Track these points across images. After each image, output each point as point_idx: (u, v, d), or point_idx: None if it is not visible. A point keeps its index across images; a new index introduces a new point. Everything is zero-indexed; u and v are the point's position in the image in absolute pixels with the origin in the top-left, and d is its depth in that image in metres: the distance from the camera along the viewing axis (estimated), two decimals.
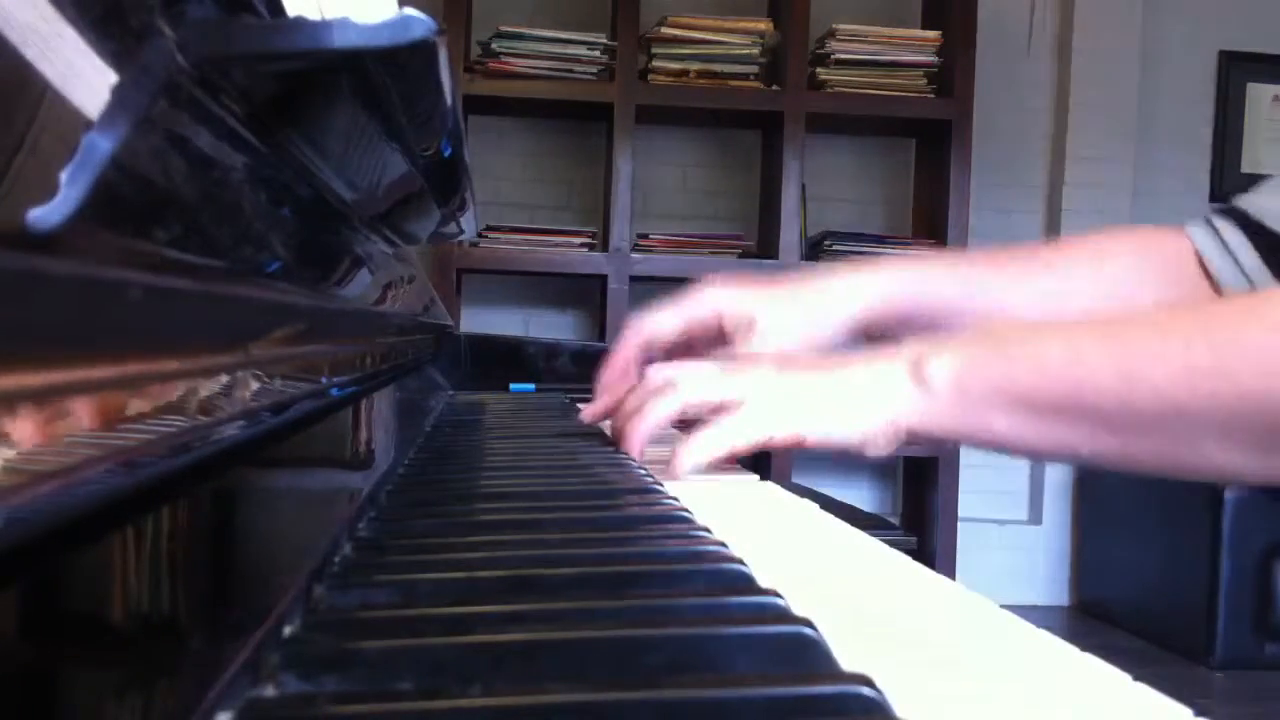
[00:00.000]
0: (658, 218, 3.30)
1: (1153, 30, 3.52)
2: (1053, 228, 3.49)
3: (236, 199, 0.35)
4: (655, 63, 3.02)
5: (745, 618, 0.32)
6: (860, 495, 3.43)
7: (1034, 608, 3.40)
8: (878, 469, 3.48)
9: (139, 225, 0.24)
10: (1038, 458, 0.66)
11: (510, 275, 3.18)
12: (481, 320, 3.25)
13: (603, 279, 3.02)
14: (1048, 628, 0.35)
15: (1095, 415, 0.60)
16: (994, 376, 0.64)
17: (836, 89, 3.06)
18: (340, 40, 0.35)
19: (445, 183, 0.81)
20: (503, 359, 1.44)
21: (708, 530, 0.46)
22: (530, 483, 0.63)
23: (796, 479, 2.99)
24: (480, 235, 2.97)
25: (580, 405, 1.01)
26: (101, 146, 0.22)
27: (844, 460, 3.38)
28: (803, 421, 0.69)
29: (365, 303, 0.64)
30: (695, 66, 3.02)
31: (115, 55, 0.25)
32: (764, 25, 3.05)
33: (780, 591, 0.34)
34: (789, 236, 3.04)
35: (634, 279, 3.01)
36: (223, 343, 0.30)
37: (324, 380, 0.44)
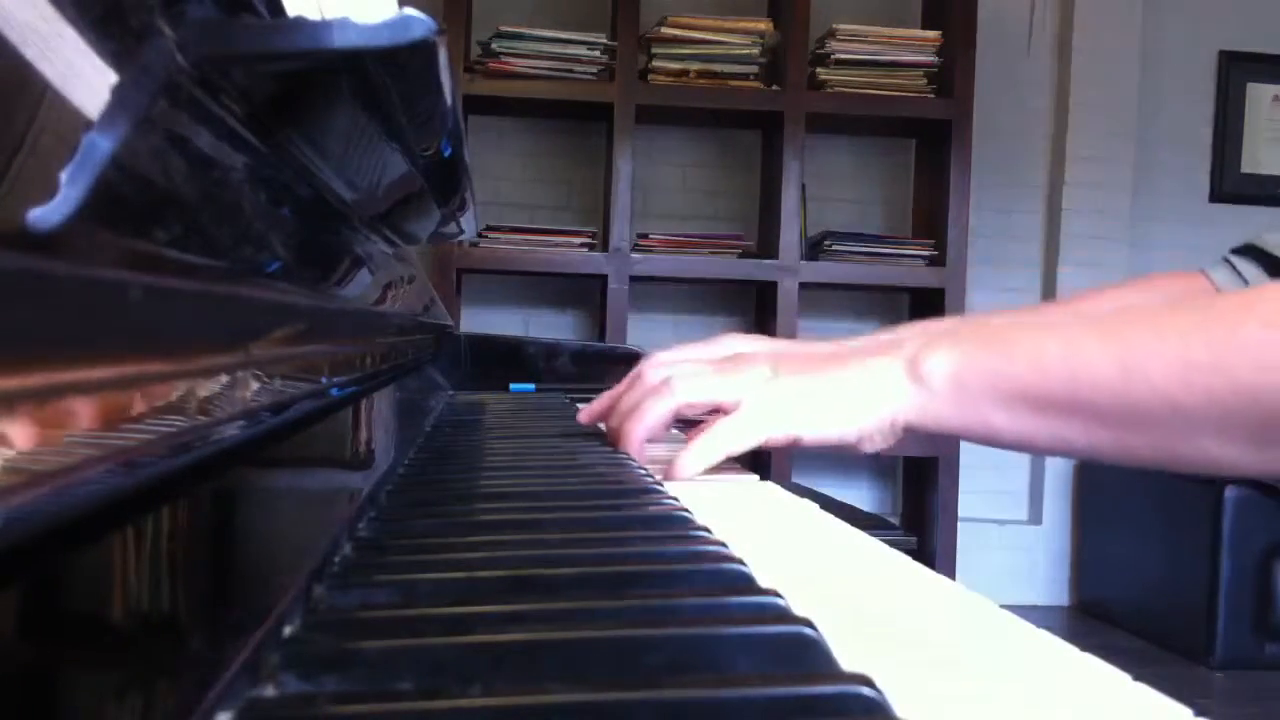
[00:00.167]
0: (658, 218, 3.30)
1: (1153, 30, 3.52)
2: (1053, 228, 3.49)
3: (236, 199, 0.35)
4: (655, 63, 3.02)
5: (745, 618, 0.32)
6: (860, 495, 3.43)
7: (1034, 608, 3.40)
8: (878, 469, 3.48)
9: (139, 225, 0.24)
10: (1035, 452, 0.66)
11: (510, 275, 3.18)
12: (481, 320, 3.25)
13: (603, 279, 3.02)
14: (1048, 628, 0.35)
15: (1092, 410, 0.60)
16: (991, 372, 0.64)
17: (836, 89, 3.06)
18: (340, 40, 0.35)
19: (445, 183, 0.81)
20: (503, 359, 1.44)
21: (708, 530, 0.46)
22: (530, 483, 0.63)
23: (796, 479, 2.99)
24: (480, 235, 2.97)
25: (580, 405, 1.01)
26: (101, 146, 0.22)
27: (844, 460, 3.39)
28: (799, 421, 0.69)
29: (365, 303, 0.64)
30: (695, 66, 3.02)
31: (115, 55, 0.25)
32: (764, 25, 3.05)
33: (780, 591, 0.34)
34: (789, 236, 3.04)
35: (634, 279, 3.01)
36: (223, 343, 0.30)
37: (324, 380, 0.44)
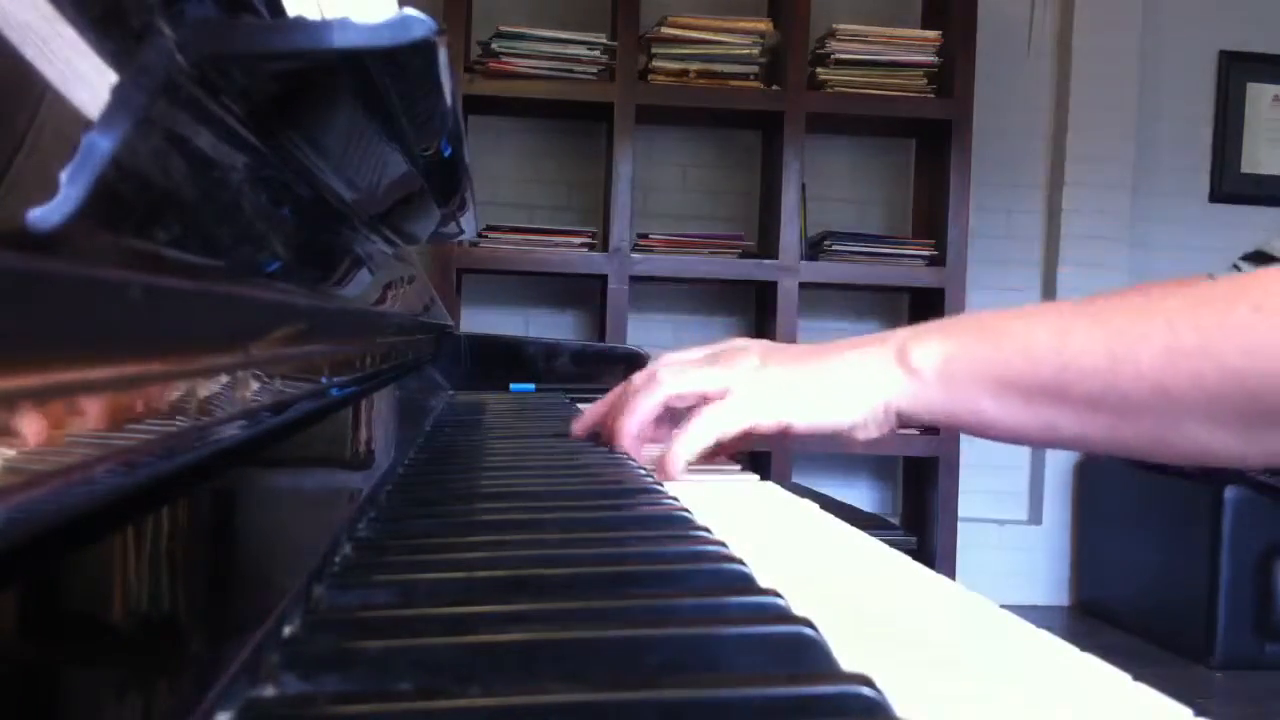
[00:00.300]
0: (658, 218, 3.30)
1: (1153, 30, 3.52)
2: (1053, 228, 3.49)
3: (236, 199, 0.35)
4: (655, 63, 3.02)
5: (745, 618, 0.32)
6: (860, 495, 3.43)
7: (1034, 608, 3.40)
8: (878, 469, 3.48)
9: (139, 225, 0.24)
10: (1026, 442, 0.66)
11: (510, 275, 3.18)
12: (481, 320, 3.25)
13: (603, 279, 3.02)
14: (1048, 628, 0.35)
15: (1081, 397, 0.60)
16: (980, 359, 0.64)
17: (836, 89, 3.06)
18: (340, 40, 0.35)
19: (445, 183, 0.81)
20: (503, 359, 1.44)
21: (708, 530, 0.46)
22: (530, 483, 0.63)
23: (796, 479, 2.99)
24: (480, 235, 2.97)
25: (580, 405, 1.01)
26: (101, 146, 0.22)
27: (844, 460, 3.39)
28: (789, 408, 0.68)
29: (365, 303, 0.64)
30: (695, 66, 3.02)
31: (115, 55, 0.25)
32: (764, 25, 3.05)
33: (780, 591, 0.34)
34: (789, 236, 3.04)
35: (634, 279, 3.01)
36: (223, 343, 0.30)
37: (324, 380, 0.44)
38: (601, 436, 0.79)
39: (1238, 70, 3.60)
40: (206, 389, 0.27)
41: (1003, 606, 0.39)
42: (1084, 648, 0.33)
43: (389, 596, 0.36)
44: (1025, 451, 3.54)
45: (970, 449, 3.20)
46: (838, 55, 3.06)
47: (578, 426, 0.86)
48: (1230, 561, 2.90)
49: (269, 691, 0.27)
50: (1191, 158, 3.61)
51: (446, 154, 0.70)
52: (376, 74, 0.47)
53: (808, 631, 0.30)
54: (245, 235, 0.36)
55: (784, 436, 0.70)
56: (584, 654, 0.30)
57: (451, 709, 0.26)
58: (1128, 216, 3.48)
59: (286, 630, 0.31)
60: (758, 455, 2.93)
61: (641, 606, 0.35)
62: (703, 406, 0.70)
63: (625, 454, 0.73)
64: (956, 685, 0.31)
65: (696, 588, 0.38)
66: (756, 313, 3.30)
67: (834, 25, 3.09)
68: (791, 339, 2.93)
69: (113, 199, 0.23)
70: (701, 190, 3.40)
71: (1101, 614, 3.37)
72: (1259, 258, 0.84)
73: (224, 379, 0.29)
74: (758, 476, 0.76)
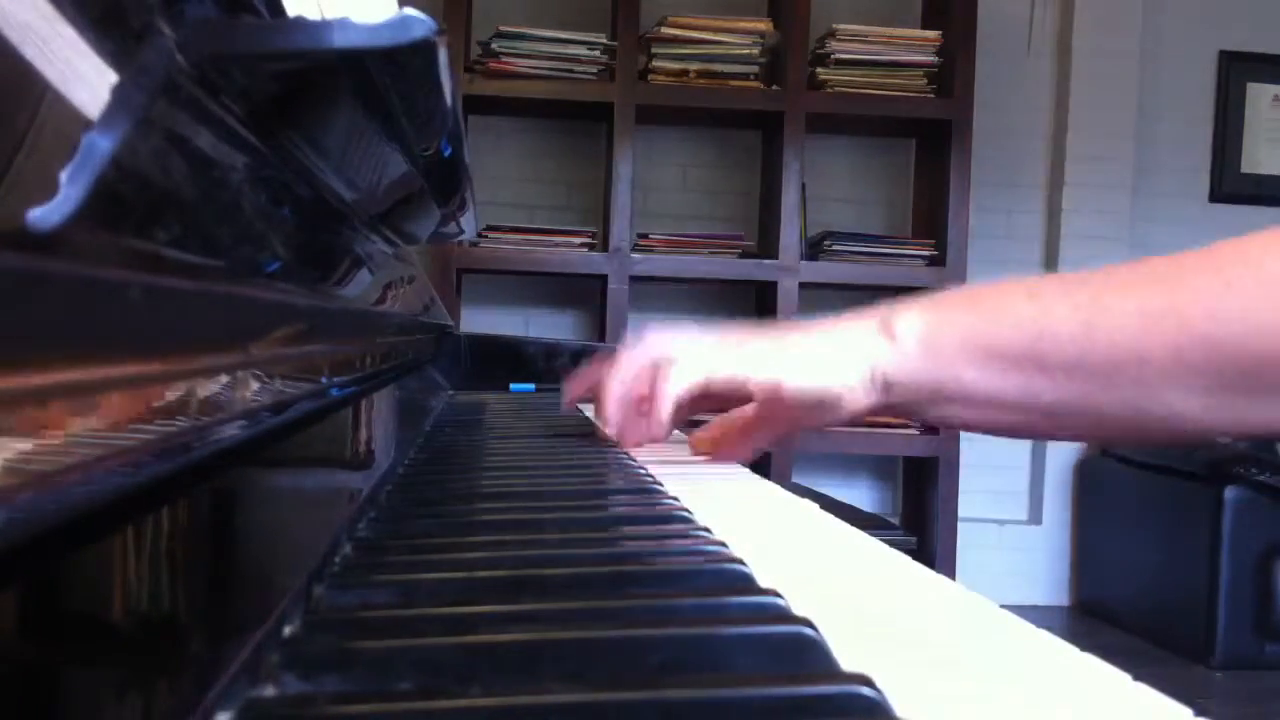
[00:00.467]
0: (658, 218, 3.30)
1: (1153, 30, 3.52)
2: (1053, 228, 3.49)
3: (236, 199, 0.35)
4: (655, 63, 3.02)
5: (745, 618, 0.32)
6: (860, 495, 3.43)
7: (1034, 608, 3.40)
8: (878, 469, 3.48)
9: (139, 225, 0.24)
10: (1009, 410, 0.66)
11: (510, 275, 3.18)
12: (481, 320, 3.25)
13: (603, 279, 3.02)
14: (1048, 628, 0.35)
15: (1058, 364, 0.61)
16: (961, 327, 0.64)
17: (836, 89, 3.06)
18: (340, 40, 0.35)
19: (445, 183, 0.81)
20: (503, 359, 1.44)
21: (708, 530, 0.46)
22: (530, 483, 0.63)
23: (796, 479, 2.99)
24: (480, 235, 2.97)
25: (580, 406, 1.01)
26: (101, 146, 0.22)
27: (844, 460, 3.39)
28: (780, 365, 0.69)
29: (365, 303, 0.64)
30: (695, 66, 3.02)
31: (115, 55, 0.25)
32: (764, 25, 3.05)
33: (780, 591, 0.34)
34: (789, 236, 3.04)
35: (634, 279, 3.01)
36: (223, 343, 0.30)
37: (324, 380, 0.44)
38: (594, 411, 0.80)
39: (1238, 70, 3.60)
40: (206, 389, 0.27)
41: (1003, 606, 0.39)
42: (1084, 648, 0.33)
43: (389, 596, 0.36)
44: (1025, 451, 3.54)
45: (970, 449, 3.20)
46: (838, 55, 3.06)
47: (568, 396, 0.88)
48: (1230, 561, 2.90)
49: (269, 691, 0.27)
50: (1191, 158, 3.61)
51: (446, 154, 0.70)
52: (376, 74, 0.47)
53: (808, 631, 0.30)
54: (245, 235, 0.36)
55: (775, 397, 0.70)
56: (584, 654, 0.30)
57: (451, 709, 0.26)
58: (1128, 216, 3.48)
59: (286, 630, 0.31)
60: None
61: (641, 606, 0.35)
62: (718, 418, 0.72)
63: (626, 454, 0.73)
64: (956, 685, 0.31)
65: (696, 588, 0.38)
66: (756, 313, 3.30)
67: (834, 25, 3.09)
68: None
69: (113, 199, 0.23)
70: (701, 190, 3.40)
71: (1101, 614, 3.37)
72: None
73: (224, 379, 0.29)
74: (758, 476, 0.76)
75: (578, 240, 3.05)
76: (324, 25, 0.35)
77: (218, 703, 0.25)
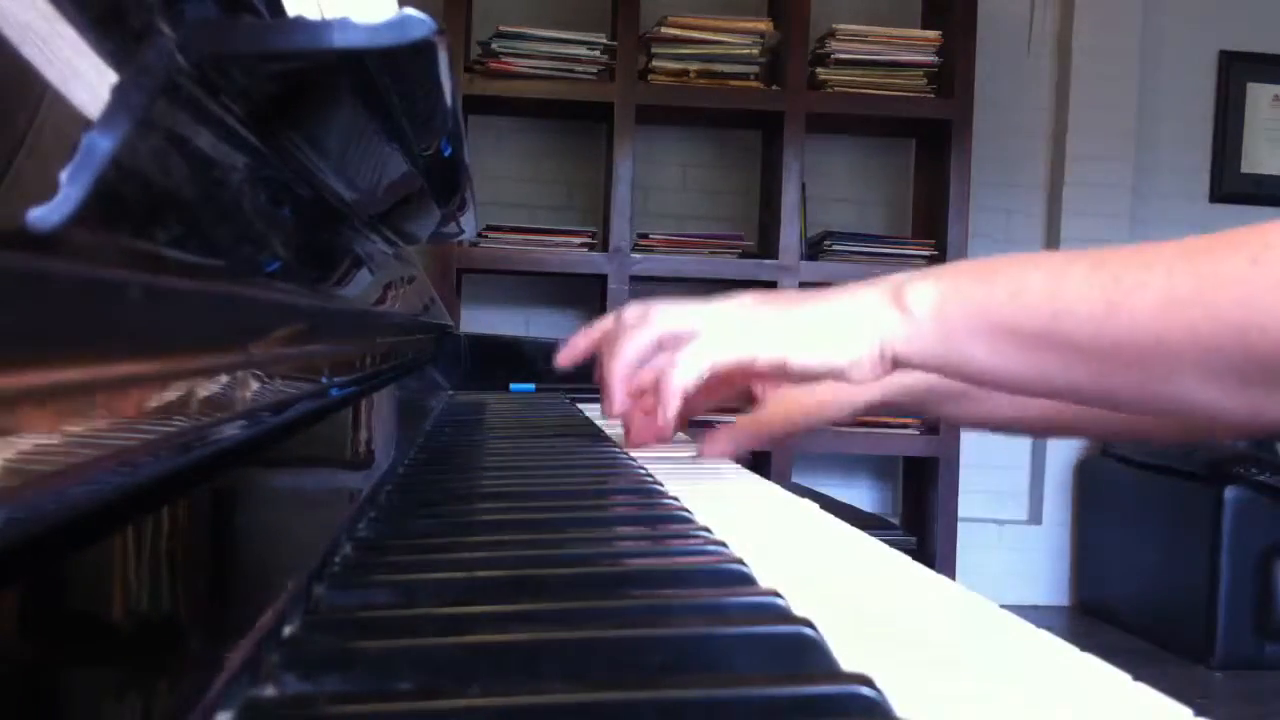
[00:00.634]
0: (658, 218, 3.30)
1: (1153, 30, 3.52)
2: (1053, 228, 3.49)
3: (236, 199, 0.35)
4: (655, 63, 3.02)
5: (745, 617, 0.32)
6: (860, 495, 3.43)
7: (1034, 608, 3.40)
8: (878, 469, 3.48)
9: (139, 225, 0.24)
10: (1019, 390, 0.64)
11: (510, 275, 3.18)
12: (481, 320, 3.25)
13: (603, 279, 3.03)
14: (1048, 628, 0.35)
15: (1075, 344, 0.59)
16: (974, 303, 0.62)
17: (836, 89, 3.06)
18: (340, 40, 0.35)
19: (445, 183, 0.81)
20: (503, 359, 1.44)
21: (708, 530, 0.46)
22: (530, 483, 0.63)
23: (796, 479, 2.99)
24: (480, 235, 2.97)
25: (580, 406, 1.01)
26: (101, 146, 0.22)
27: (844, 460, 3.39)
28: (786, 343, 0.67)
29: (365, 303, 0.64)
30: (695, 66, 3.03)
31: (115, 55, 0.25)
32: (764, 25, 3.05)
33: (780, 591, 0.34)
34: (789, 236, 3.04)
35: (634, 279, 3.01)
36: (223, 343, 0.30)
37: (324, 380, 0.44)
38: (596, 379, 0.78)
39: (1238, 70, 3.60)
40: (206, 389, 0.27)
41: (1003, 606, 0.39)
42: (1084, 648, 0.33)
43: (389, 596, 0.36)
44: (1025, 451, 3.54)
45: (970, 449, 3.20)
46: (838, 55, 3.06)
47: (563, 358, 0.86)
48: (1230, 561, 2.90)
49: (269, 691, 0.27)
50: (1191, 158, 3.61)
51: (446, 154, 0.70)
52: (376, 74, 0.47)
53: (808, 631, 0.30)
54: (245, 235, 0.36)
55: (781, 374, 0.69)
56: (584, 654, 0.30)
57: (451, 709, 0.26)
58: (1128, 217, 3.48)
59: (286, 630, 0.31)
60: (758, 455, 2.93)
61: (641, 606, 0.35)
62: (727, 419, 0.70)
63: (625, 453, 0.73)
64: (956, 685, 0.31)
65: (696, 587, 0.38)
66: None
67: (834, 25, 3.09)
68: None
69: (113, 199, 0.23)
70: (701, 190, 3.40)
71: (1101, 614, 3.37)
72: None
73: (224, 379, 0.29)
74: (758, 476, 0.76)
75: (578, 240, 3.05)
76: (324, 25, 0.35)
77: (218, 703, 0.25)
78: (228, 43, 0.33)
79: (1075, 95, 3.44)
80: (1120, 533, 3.28)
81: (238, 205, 0.35)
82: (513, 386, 1.41)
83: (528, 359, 1.44)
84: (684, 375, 0.68)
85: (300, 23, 0.35)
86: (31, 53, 0.21)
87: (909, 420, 3.10)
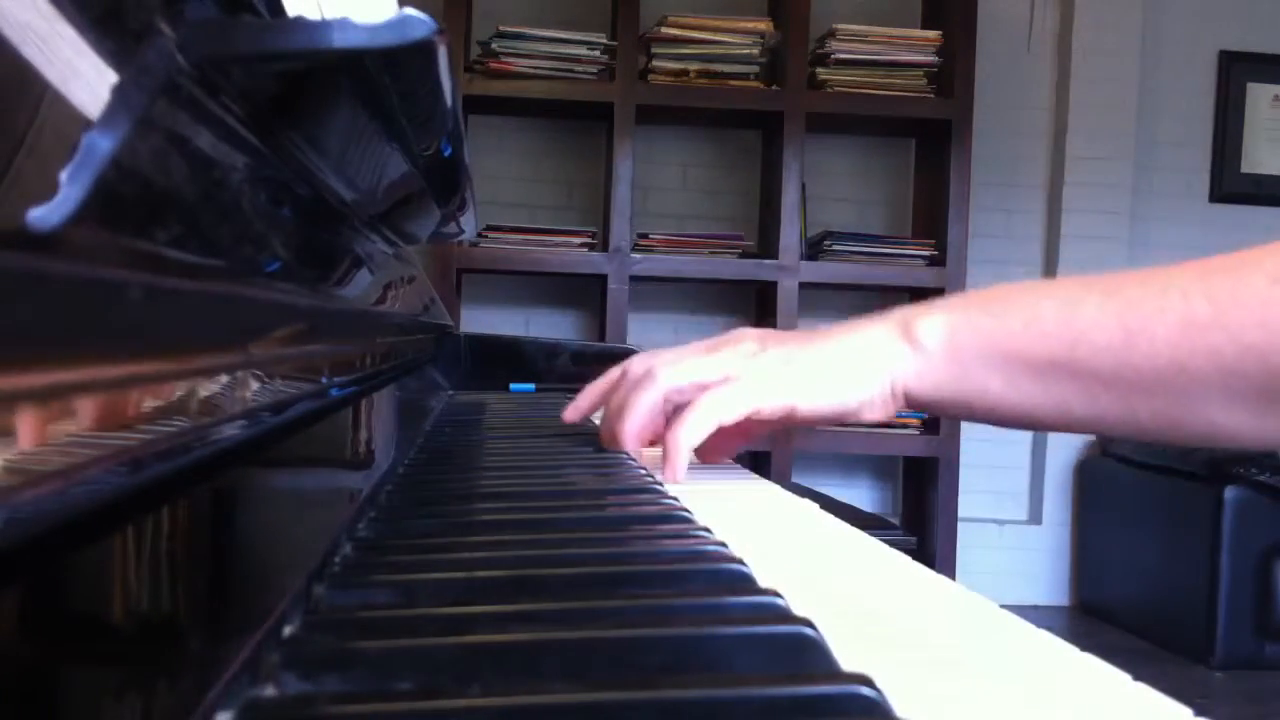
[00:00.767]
0: (658, 217, 3.30)
1: (1153, 30, 3.52)
2: (1053, 228, 3.49)
3: (236, 199, 0.35)
4: (655, 63, 3.02)
5: (745, 618, 0.32)
6: (860, 495, 3.43)
7: (1034, 608, 3.41)
8: (878, 469, 3.48)
9: (139, 225, 0.24)
10: (1033, 423, 0.63)
11: (510, 275, 3.18)
12: (481, 320, 3.25)
13: (603, 279, 3.03)
14: (1048, 628, 0.35)
15: (1093, 373, 0.58)
16: (987, 332, 0.61)
17: (836, 89, 3.06)
18: (340, 40, 0.35)
19: (445, 183, 0.81)
20: (503, 359, 1.44)
21: (708, 530, 0.46)
22: (530, 483, 0.62)
23: (796, 479, 2.99)
24: (480, 235, 2.97)
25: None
26: (101, 146, 0.22)
27: (844, 460, 3.38)
28: (793, 391, 0.66)
29: (365, 303, 0.64)
30: (695, 66, 3.03)
31: (115, 55, 0.25)
32: (764, 25, 3.05)
33: (780, 591, 0.34)
34: (789, 236, 3.04)
35: (634, 279, 3.01)
36: (223, 343, 0.30)
37: (324, 380, 0.44)
38: (602, 440, 0.77)
39: (1238, 70, 3.60)
40: (206, 389, 0.27)
41: (1003, 606, 0.39)
42: (1084, 648, 0.33)
43: (389, 596, 0.36)
44: (1025, 451, 3.54)
45: (970, 449, 3.20)
46: (838, 55, 3.06)
47: (571, 412, 0.85)
48: (1230, 561, 2.90)
49: (269, 691, 0.27)
50: (1191, 158, 3.61)
51: (446, 154, 0.70)
52: (376, 74, 0.47)
53: (808, 631, 0.30)
54: (245, 235, 0.36)
55: (789, 421, 0.67)
56: (584, 654, 0.30)
57: (451, 709, 0.26)
58: (1128, 216, 3.48)
59: (286, 630, 0.31)
60: (758, 455, 2.93)
61: (641, 606, 0.35)
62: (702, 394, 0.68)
63: (625, 454, 0.73)
64: (956, 685, 0.31)
65: (696, 587, 0.38)
66: (756, 313, 3.30)
67: (834, 25, 3.09)
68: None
69: (113, 199, 0.23)
70: (701, 190, 3.40)
71: (1101, 614, 3.37)
72: None
73: (224, 379, 0.29)
74: (758, 476, 0.76)
75: (578, 240, 3.05)
76: (324, 25, 0.35)
77: (218, 703, 0.25)
78: (228, 43, 0.33)
79: (1075, 95, 3.44)
80: (1120, 533, 3.28)
81: (238, 205, 0.35)
82: (513, 386, 1.41)
83: (528, 359, 1.44)
84: (689, 435, 0.66)
85: (300, 23, 0.35)
86: (31, 53, 0.21)
87: (909, 420, 3.10)
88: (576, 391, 1.25)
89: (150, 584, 0.25)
